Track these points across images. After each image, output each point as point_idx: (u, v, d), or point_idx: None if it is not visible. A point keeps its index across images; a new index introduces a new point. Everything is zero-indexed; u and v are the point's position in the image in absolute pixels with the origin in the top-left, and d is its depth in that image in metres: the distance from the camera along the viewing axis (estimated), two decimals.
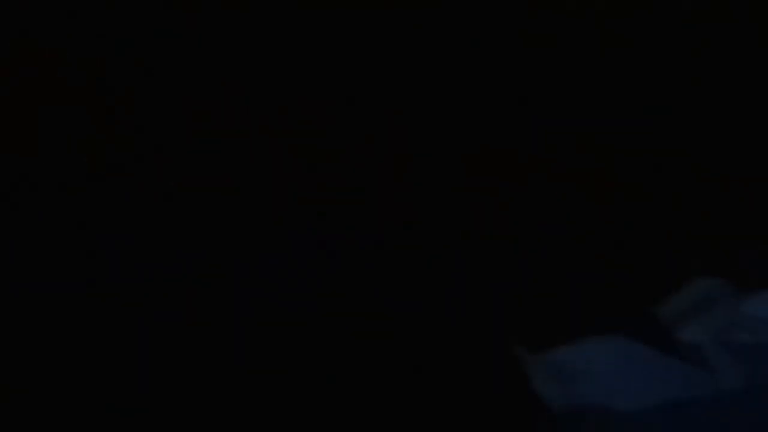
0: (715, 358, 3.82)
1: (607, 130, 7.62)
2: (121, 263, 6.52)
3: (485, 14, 8.57)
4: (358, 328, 5.02)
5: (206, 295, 5.84)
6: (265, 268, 5.64)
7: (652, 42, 9.22)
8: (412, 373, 4.75)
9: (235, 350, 5.19)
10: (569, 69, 8.15)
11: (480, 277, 5.31)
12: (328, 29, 8.26)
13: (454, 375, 4.50)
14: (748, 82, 8.10)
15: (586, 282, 5.26)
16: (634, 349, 4.00)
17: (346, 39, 7.94)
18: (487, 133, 7.37)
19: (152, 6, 9.41)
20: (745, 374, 3.73)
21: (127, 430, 4.81)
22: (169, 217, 6.86)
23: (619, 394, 3.97)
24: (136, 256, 6.68)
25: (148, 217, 6.86)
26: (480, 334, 4.74)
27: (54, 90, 9.63)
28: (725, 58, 8.89)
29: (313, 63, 8.15)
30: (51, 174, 8.32)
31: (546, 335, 4.21)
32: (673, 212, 5.81)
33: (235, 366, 5.24)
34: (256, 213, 6.50)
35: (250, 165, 7.00)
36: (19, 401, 5.02)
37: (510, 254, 5.59)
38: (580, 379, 3.93)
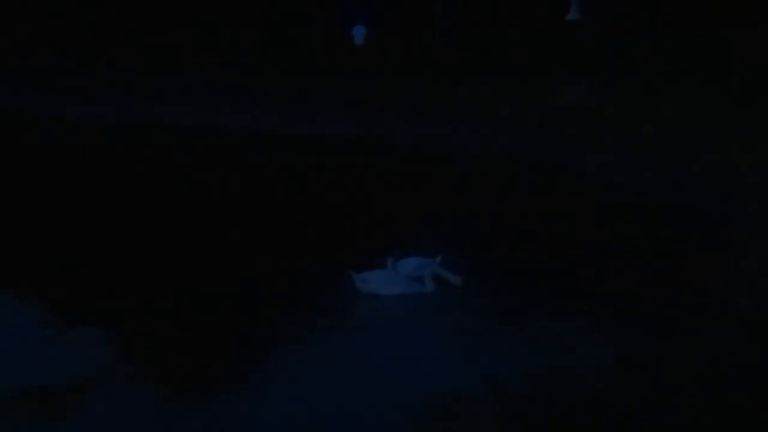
0: (427, 280, 9.78)
1: None
2: None
3: None
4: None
5: None
6: None
7: None
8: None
9: None
10: None
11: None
12: None
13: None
14: None
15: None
16: (392, 274, 10.05)
17: None
18: None
19: None
20: (435, 286, 9.70)
21: None
22: None
23: (384, 287, 9.81)
24: None
25: None
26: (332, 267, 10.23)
27: None
28: None
29: None
30: None
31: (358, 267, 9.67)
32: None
33: None
34: None
35: None
36: None
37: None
38: (371, 282, 9.82)
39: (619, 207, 14.33)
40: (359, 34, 33.33)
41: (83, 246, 12.13)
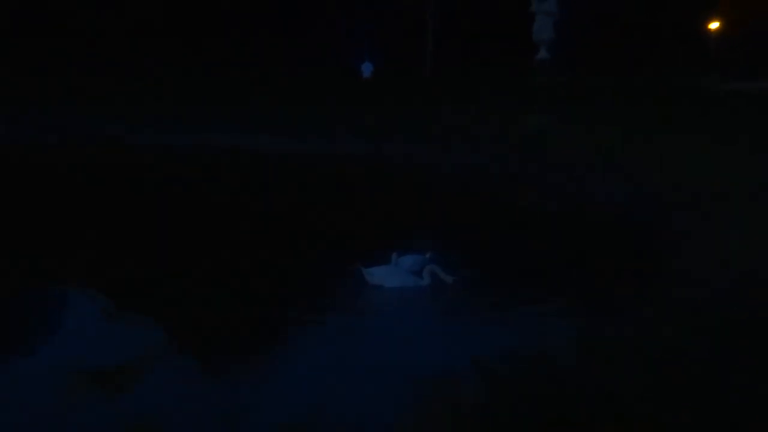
0: (425, 275, 9.25)
1: None
2: None
3: None
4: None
5: None
6: None
7: None
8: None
9: None
10: None
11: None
12: None
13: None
14: None
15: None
16: (395, 268, 9.38)
17: None
18: None
19: None
20: (431, 280, 9.01)
21: None
22: None
23: (388, 280, 9.25)
24: None
25: None
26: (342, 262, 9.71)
27: None
28: None
29: None
30: None
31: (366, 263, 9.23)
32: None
33: None
34: None
35: None
36: None
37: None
38: (377, 276, 9.25)
39: (574, 214, 13.97)
40: (367, 69, 33.96)
41: (140, 248, 11.82)
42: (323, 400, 5.99)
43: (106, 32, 40.23)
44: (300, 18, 41.86)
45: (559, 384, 5.47)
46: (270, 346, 7.58)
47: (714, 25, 43.51)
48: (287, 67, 35.12)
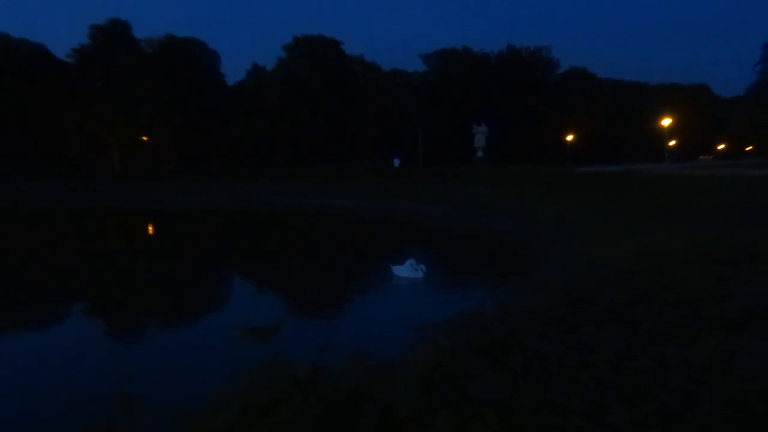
0: (419, 271, 8.89)
1: None
2: None
3: None
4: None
5: None
6: None
7: None
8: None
9: None
10: None
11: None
12: None
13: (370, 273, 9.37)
14: None
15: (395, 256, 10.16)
16: (408, 267, 9.14)
17: None
18: None
19: None
20: (424, 274, 8.72)
21: None
22: None
23: (403, 273, 8.98)
24: None
25: None
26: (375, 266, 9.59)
27: None
28: None
29: None
30: None
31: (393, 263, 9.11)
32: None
33: None
34: None
35: None
36: None
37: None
38: (397, 270, 9.08)
39: (492, 240, 13.98)
40: (396, 162, 35.75)
41: (268, 256, 11.94)
42: (368, 340, 5.89)
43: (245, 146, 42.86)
44: (362, 137, 44.70)
45: (488, 330, 5.50)
46: (336, 310, 7.59)
47: (570, 137, 43.94)
48: (352, 163, 36.17)
